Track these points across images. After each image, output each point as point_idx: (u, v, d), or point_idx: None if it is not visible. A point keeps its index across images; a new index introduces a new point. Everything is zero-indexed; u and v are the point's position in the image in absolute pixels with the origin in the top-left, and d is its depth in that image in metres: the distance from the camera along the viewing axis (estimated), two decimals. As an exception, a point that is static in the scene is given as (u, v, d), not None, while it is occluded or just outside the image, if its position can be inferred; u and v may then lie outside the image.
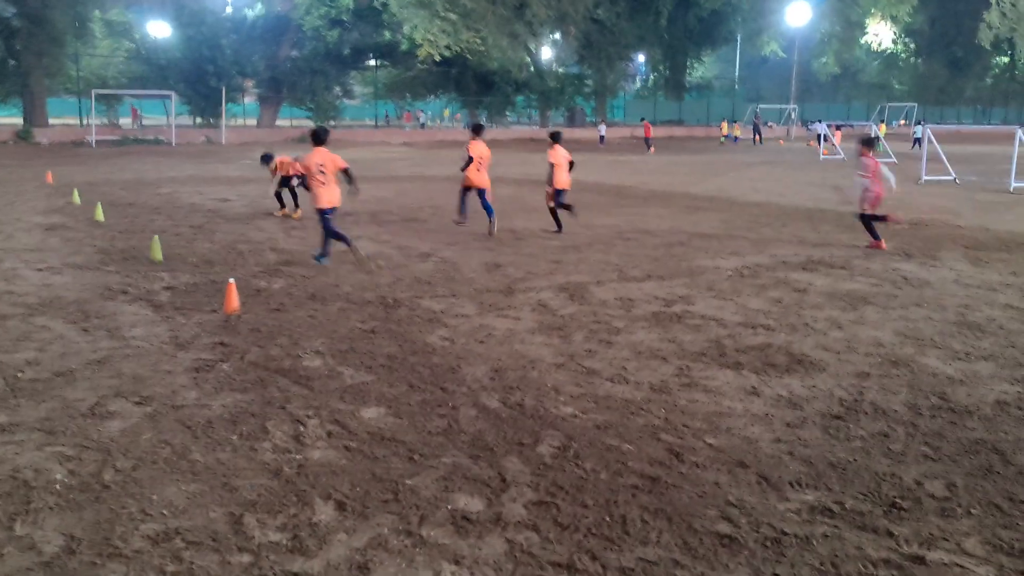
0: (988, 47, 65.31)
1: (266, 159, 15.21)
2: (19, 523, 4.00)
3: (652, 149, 39.51)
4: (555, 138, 13.25)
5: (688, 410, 5.60)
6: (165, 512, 4.12)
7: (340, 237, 10.28)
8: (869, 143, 12.23)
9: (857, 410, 5.61)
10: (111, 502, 4.22)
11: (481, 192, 13.14)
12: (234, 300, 8.14)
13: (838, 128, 42.17)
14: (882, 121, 47.89)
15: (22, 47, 38.84)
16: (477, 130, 13.49)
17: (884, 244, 11.95)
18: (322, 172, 9.95)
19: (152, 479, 4.48)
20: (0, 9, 41.62)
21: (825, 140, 36.51)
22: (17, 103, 42.51)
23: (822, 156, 34.56)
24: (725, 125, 52.13)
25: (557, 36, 57.65)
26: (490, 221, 13.05)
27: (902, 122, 67.26)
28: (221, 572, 3.61)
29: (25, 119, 40.44)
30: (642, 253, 11.63)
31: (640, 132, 46.04)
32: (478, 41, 45.53)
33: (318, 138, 10.12)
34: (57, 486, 4.38)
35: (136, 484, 4.42)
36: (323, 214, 10.14)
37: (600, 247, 12.03)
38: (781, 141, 50.32)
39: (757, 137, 47.78)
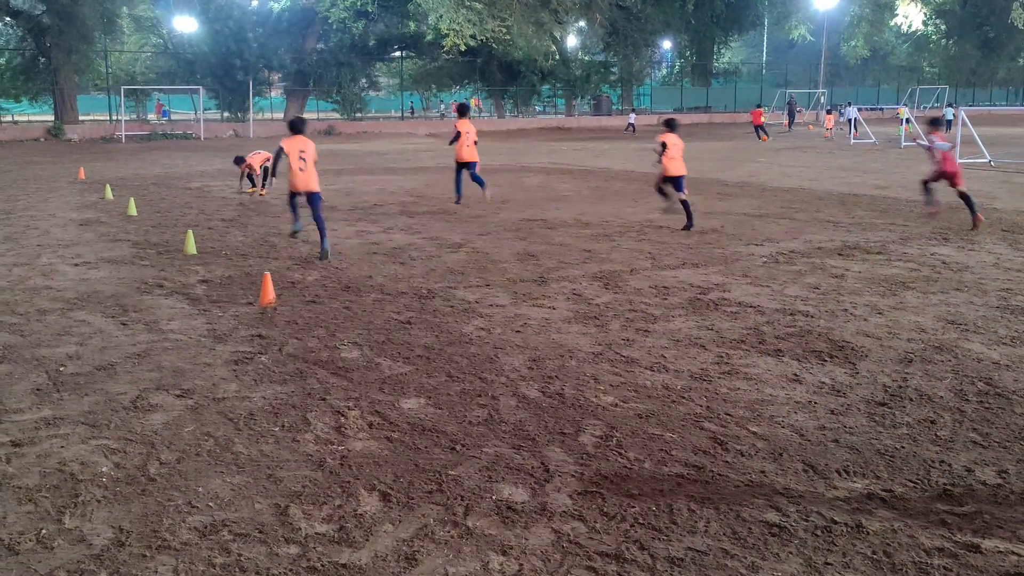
0: (1022, 27, 64.07)
1: (238, 161, 17.50)
2: (68, 516, 4.03)
3: (764, 137, 36.10)
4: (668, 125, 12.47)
5: (730, 398, 5.54)
6: (211, 504, 4.14)
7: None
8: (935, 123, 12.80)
9: (902, 396, 5.53)
10: (158, 494, 4.24)
11: (471, 166, 15.16)
12: (270, 292, 8.16)
13: (828, 112, 41.25)
14: (903, 104, 46.86)
15: (52, 44, 39.10)
16: (463, 111, 15.84)
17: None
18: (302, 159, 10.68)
19: (197, 471, 4.50)
20: (30, 7, 42.02)
21: (856, 124, 35.96)
22: (48, 100, 42.88)
23: (852, 140, 34.15)
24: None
25: (582, 24, 57.28)
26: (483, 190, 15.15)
27: (937, 106, 66.09)
28: (269, 564, 3.62)
29: (56, 116, 40.83)
30: (675, 240, 11.55)
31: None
32: (503, 30, 45.29)
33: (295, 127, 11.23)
34: (104, 479, 4.41)
35: (181, 476, 4.44)
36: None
37: (632, 235, 11.95)
38: (810, 127, 49.63)
39: (786, 123, 47.09)
